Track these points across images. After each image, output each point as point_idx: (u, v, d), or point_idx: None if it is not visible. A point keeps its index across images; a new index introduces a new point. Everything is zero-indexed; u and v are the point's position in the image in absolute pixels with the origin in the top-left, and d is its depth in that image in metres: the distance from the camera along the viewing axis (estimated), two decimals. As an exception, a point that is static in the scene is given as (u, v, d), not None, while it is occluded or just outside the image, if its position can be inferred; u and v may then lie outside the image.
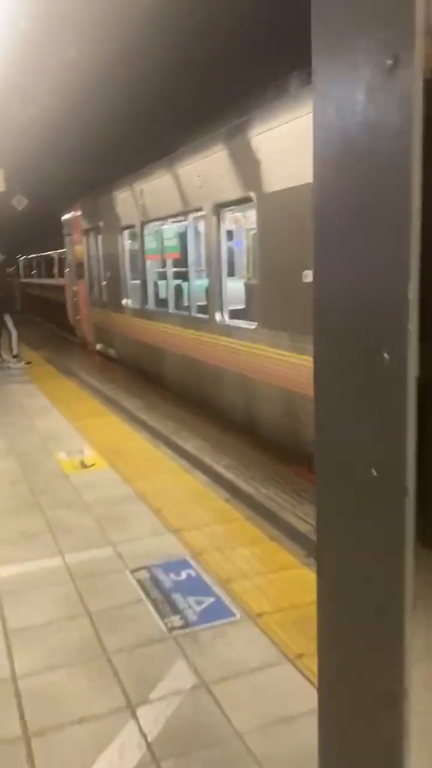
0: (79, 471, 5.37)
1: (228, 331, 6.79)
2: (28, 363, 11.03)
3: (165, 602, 3.24)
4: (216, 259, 6.97)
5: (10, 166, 10.07)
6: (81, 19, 8.91)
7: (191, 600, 3.25)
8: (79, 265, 13.83)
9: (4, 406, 8.09)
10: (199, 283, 8.14)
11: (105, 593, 3.36)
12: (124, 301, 10.72)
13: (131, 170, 9.86)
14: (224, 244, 7.02)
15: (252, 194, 5.98)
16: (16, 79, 10.63)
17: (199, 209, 7.26)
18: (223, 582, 3.42)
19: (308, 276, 5.13)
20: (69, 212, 14.56)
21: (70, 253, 15.08)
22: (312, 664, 2.67)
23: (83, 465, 5.51)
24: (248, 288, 8.36)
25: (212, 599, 3.26)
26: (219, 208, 6.84)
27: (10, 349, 11.18)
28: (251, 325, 6.28)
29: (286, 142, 5.46)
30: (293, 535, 3.97)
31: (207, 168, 6.93)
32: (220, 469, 5.25)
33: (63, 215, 15.07)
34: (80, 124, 12.39)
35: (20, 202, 16.58)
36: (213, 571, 3.55)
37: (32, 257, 42.47)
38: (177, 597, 3.29)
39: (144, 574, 3.54)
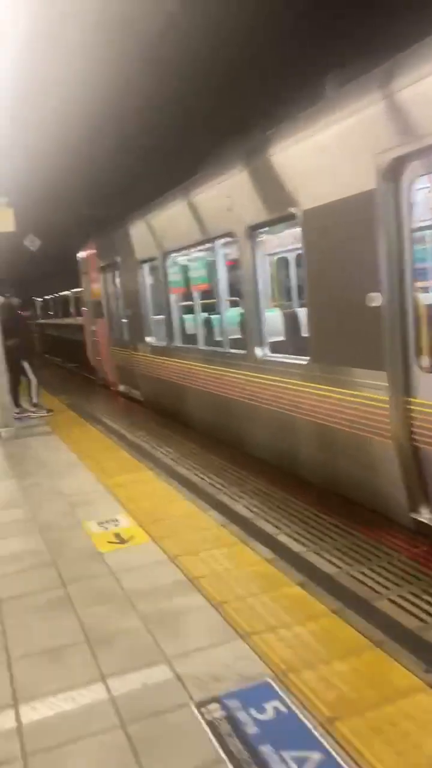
0: (114, 547, 4.51)
1: (271, 367, 5.96)
2: (50, 411, 10.26)
3: (252, 762, 2.34)
4: (253, 288, 6.18)
5: (19, 206, 9.51)
6: (88, 46, 8.36)
7: (288, 757, 2.34)
8: (97, 304, 13.18)
9: (23, 464, 7.29)
10: (230, 315, 7.35)
11: (167, 747, 2.46)
12: (147, 339, 9.98)
13: (148, 202, 9.19)
14: (262, 270, 6.22)
15: (295, 210, 5.19)
16: (23, 113, 10.13)
17: (230, 233, 6.49)
18: (327, 722, 2.51)
19: (376, 299, 4.28)
20: (83, 250, 13.98)
21: (87, 292, 14.46)
22: None
23: (119, 539, 4.66)
24: (287, 317, 7.55)
25: (318, 755, 2.34)
26: (253, 229, 6.07)
27: (30, 398, 10.43)
28: (302, 361, 5.44)
29: (330, 148, 4.70)
30: (400, 636, 3.04)
31: (237, 187, 6.17)
32: (284, 539, 4.35)
33: (78, 253, 14.49)
34: (93, 157, 11.85)
35: (33, 243, 16.10)
36: (310, 702, 2.63)
37: (48, 298, 42.53)
38: (267, 752, 2.38)
39: (217, 712, 2.63)
